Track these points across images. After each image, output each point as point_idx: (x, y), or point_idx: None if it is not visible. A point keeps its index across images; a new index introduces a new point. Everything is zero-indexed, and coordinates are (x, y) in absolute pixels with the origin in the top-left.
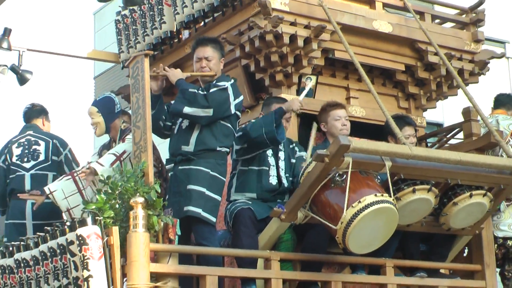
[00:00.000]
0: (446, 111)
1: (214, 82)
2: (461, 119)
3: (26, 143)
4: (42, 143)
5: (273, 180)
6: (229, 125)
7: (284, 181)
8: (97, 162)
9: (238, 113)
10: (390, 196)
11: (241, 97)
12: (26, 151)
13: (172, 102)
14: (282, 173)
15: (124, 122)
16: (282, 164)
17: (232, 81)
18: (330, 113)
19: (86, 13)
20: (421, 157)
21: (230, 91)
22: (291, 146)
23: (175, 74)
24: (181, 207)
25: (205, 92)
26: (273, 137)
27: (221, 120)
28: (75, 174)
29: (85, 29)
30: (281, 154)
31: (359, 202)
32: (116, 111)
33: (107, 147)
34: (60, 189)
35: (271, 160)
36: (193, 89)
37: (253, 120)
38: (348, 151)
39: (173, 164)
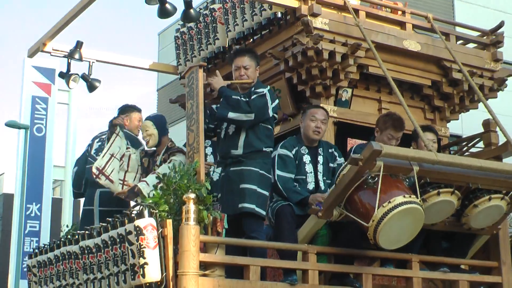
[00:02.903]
0: (464, 124)
1: (253, 89)
2: (477, 130)
3: (104, 138)
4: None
5: (311, 186)
6: (269, 126)
7: (321, 184)
8: (143, 181)
9: (275, 115)
10: (417, 198)
11: (277, 101)
12: (103, 146)
13: (213, 106)
14: (320, 177)
15: (171, 142)
16: (320, 167)
17: (268, 87)
18: (388, 129)
19: (152, 33)
20: (445, 162)
21: (268, 96)
22: (330, 151)
23: (218, 82)
24: (235, 204)
25: (247, 99)
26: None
27: (262, 123)
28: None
29: (150, 48)
30: (320, 158)
31: (389, 202)
32: (166, 128)
33: (149, 155)
34: (148, 183)
35: (308, 168)
36: (236, 96)
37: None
38: (380, 156)
39: (223, 166)
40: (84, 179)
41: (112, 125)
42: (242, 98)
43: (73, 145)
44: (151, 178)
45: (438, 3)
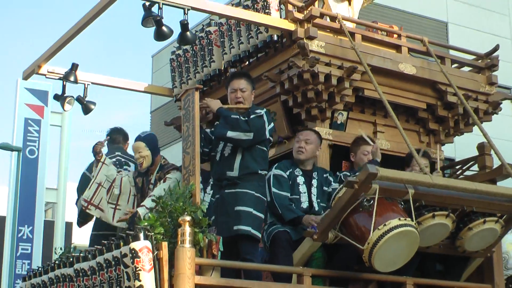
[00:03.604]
0: (457, 147)
1: (249, 111)
2: (469, 154)
3: (117, 163)
4: (132, 165)
5: (304, 204)
6: (265, 148)
7: (315, 205)
8: (142, 206)
9: (270, 138)
10: (412, 221)
11: (272, 124)
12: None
13: (207, 130)
14: (313, 198)
15: (163, 159)
16: (314, 190)
17: (265, 109)
18: (360, 147)
19: (146, 55)
20: (440, 185)
21: (265, 118)
22: (324, 175)
23: (216, 103)
24: (230, 226)
25: (246, 118)
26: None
27: (258, 144)
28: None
29: (144, 70)
30: (314, 182)
31: (385, 225)
32: (158, 147)
33: (143, 175)
34: (147, 208)
35: (302, 188)
36: (235, 116)
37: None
38: (375, 179)
39: (217, 188)
40: None
41: (96, 153)
42: (241, 117)
43: (66, 167)
44: (149, 202)
45: (432, 27)
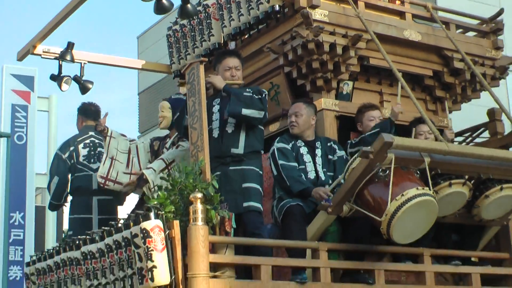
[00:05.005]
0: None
1: (246, 88)
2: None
3: (91, 144)
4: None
5: (311, 175)
6: (263, 128)
7: (321, 175)
8: (149, 168)
9: None
10: (430, 190)
11: None
12: (92, 152)
13: None
14: (319, 168)
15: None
16: (319, 160)
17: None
18: (365, 114)
19: (131, 37)
20: (456, 153)
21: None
22: (328, 144)
23: (220, 80)
24: (239, 203)
25: (259, 96)
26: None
27: (259, 124)
28: (170, 167)
29: (130, 51)
30: (318, 151)
31: (402, 195)
32: (184, 112)
33: (161, 139)
34: (155, 169)
35: (306, 158)
36: (248, 93)
37: None
38: (391, 148)
39: (219, 165)
40: (67, 189)
41: (101, 131)
42: (254, 95)
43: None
44: (157, 164)
45: None
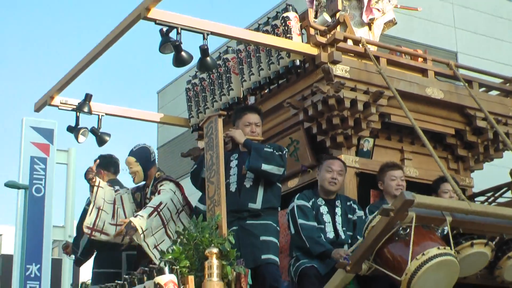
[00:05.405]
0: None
1: (267, 144)
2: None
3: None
4: None
5: (330, 234)
6: (280, 186)
7: (341, 233)
8: (137, 216)
9: None
10: (451, 249)
11: None
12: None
13: None
14: (339, 227)
15: (158, 171)
16: (338, 219)
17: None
18: (387, 173)
19: (151, 92)
20: (479, 212)
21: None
22: (348, 203)
23: (241, 134)
24: (257, 256)
25: (279, 153)
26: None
27: (277, 181)
28: (159, 209)
29: (150, 106)
30: (338, 210)
31: (423, 254)
32: (151, 160)
33: (141, 190)
34: (149, 227)
35: (326, 218)
36: (269, 149)
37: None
38: (412, 206)
39: (236, 219)
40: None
41: (89, 179)
42: (274, 151)
43: (72, 205)
44: (144, 211)
45: (441, 56)
